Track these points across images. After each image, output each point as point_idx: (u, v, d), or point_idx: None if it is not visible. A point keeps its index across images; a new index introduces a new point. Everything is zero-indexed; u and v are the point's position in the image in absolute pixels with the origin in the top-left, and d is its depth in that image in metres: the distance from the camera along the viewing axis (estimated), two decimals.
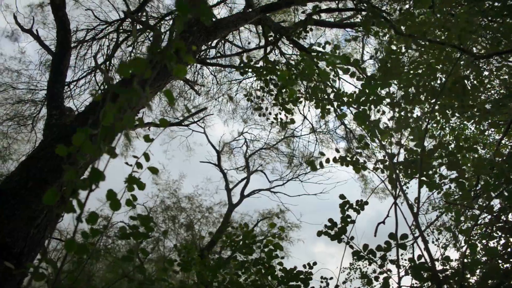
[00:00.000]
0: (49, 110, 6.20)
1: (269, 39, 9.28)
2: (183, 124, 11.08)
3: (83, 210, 1.73)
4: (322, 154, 3.28)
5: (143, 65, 1.59)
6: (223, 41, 10.86)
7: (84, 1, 10.72)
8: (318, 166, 3.20)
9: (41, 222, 4.07)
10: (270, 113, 5.35)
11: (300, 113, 10.47)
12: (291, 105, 4.66)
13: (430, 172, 2.73)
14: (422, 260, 2.51)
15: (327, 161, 3.15)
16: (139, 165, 2.20)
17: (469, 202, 3.92)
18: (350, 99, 2.95)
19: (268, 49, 10.05)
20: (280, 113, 5.05)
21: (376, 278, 3.59)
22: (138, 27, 10.55)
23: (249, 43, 11.10)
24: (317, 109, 3.39)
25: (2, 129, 10.64)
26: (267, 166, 17.11)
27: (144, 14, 10.55)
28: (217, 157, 16.69)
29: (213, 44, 10.90)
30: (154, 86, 6.50)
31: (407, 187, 6.97)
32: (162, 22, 10.85)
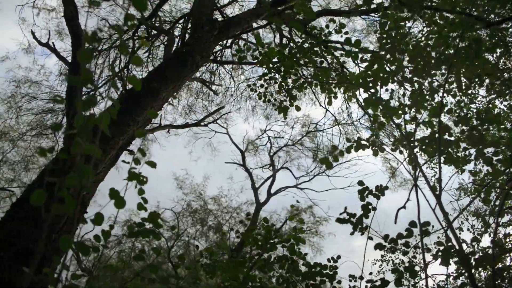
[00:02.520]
0: (68, 120, 6.30)
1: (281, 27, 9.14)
2: (202, 124, 11.07)
3: (77, 208, 1.71)
4: (334, 148, 3.16)
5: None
6: (237, 40, 10.81)
7: (98, 11, 10.92)
8: (333, 162, 3.06)
9: (62, 227, 4.11)
10: (275, 100, 5.23)
11: (321, 105, 10.28)
12: (296, 91, 4.53)
13: (454, 146, 2.54)
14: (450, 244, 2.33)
15: (341, 153, 3.00)
16: (136, 162, 2.18)
17: (501, 183, 3.67)
18: (360, 80, 2.79)
19: (284, 40, 9.92)
20: (286, 100, 4.92)
21: (406, 269, 3.40)
22: (153, 33, 10.67)
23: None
24: (323, 93, 3.26)
25: (25, 139, 10.96)
26: (292, 162, 16.92)
27: (158, 19, 10.65)
28: (241, 157, 16.66)
29: (228, 44, 10.89)
30: (169, 88, 6.49)
31: (434, 173, 6.68)
32: (176, 25, 10.94)
